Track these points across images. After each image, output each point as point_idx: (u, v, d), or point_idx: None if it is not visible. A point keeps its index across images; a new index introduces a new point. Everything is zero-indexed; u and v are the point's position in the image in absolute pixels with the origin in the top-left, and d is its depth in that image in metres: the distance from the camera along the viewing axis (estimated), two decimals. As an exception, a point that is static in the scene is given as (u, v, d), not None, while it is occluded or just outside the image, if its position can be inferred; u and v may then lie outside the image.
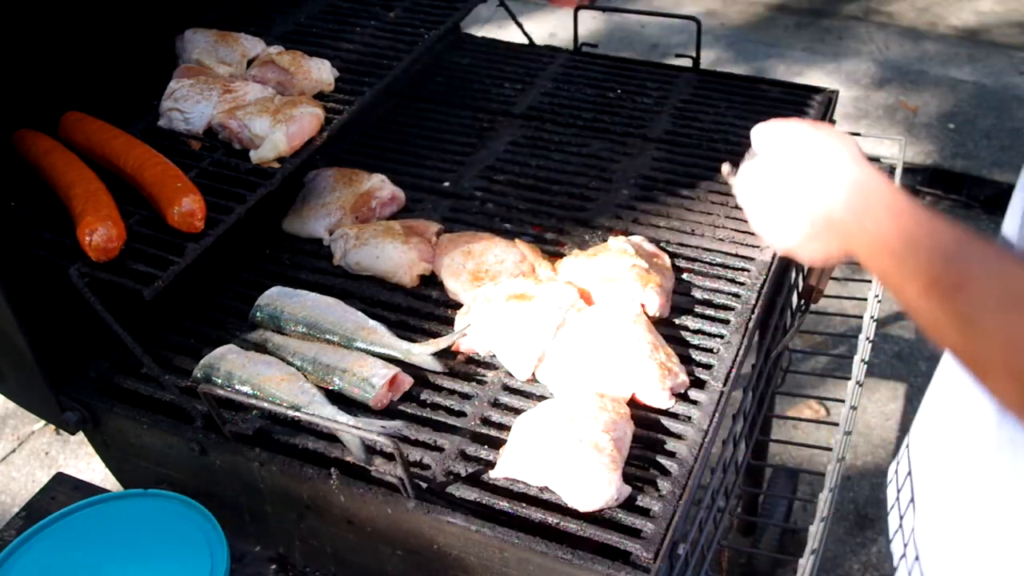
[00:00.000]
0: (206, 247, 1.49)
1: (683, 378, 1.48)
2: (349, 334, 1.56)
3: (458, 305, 1.66)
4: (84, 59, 1.73)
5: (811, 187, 1.16)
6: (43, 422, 3.19)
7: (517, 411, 1.46)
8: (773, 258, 1.75)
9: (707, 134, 2.11)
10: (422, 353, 1.54)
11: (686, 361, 1.54)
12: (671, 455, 1.39)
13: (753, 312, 1.63)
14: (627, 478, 1.34)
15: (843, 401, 1.66)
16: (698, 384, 1.50)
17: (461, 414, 1.48)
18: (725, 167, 1.40)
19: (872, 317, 1.81)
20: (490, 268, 1.67)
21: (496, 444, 1.41)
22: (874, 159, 2.24)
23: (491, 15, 4.87)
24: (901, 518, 1.48)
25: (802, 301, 1.81)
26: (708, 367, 1.53)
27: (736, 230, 1.82)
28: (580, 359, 1.48)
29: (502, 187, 1.99)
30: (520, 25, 2.48)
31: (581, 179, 2.00)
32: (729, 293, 1.68)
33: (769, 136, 1.29)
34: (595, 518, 1.30)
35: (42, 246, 1.48)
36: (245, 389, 1.48)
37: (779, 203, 1.21)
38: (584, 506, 1.28)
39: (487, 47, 2.48)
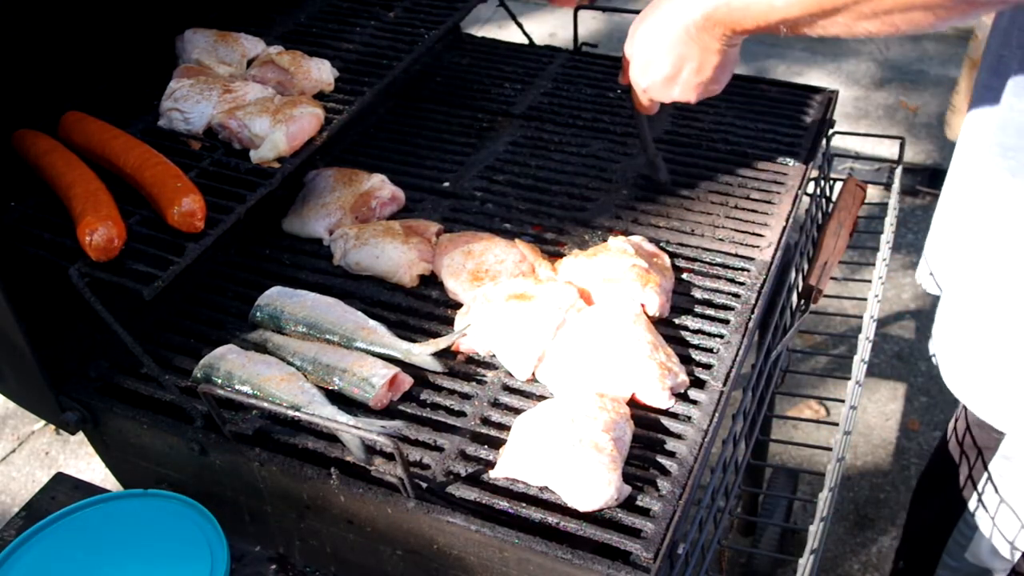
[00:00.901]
0: (206, 247, 1.49)
1: (683, 378, 1.48)
2: (349, 334, 1.57)
3: (458, 305, 1.66)
4: (84, 59, 1.73)
5: (670, 16, 1.42)
6: (43, 422, 3.19)
7: (517, 411, 1.46)
8: (773, 258, 1.75)
9: (707, 134, 2.11)
10: (422, 353, 1.54)
11: (686, 361, 1.54)
12: (671, 455, 1.39)
13: (753, 312, 1.63)
14: (627, 478, 1.34)
15: (843, 401, 1.66)
16: (698, 384, 1.50)
17: (461, 414, 1.48)
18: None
19: (872, 317, 1.81)
20: (490, 268, 1.67)
21: (496, 444, 1.41)
22: (874, 159, 2.24)
23: (491, 15, 4.87)
24: None
25: (802, 301, 1.81)
26: (708, 367, 1.53)
27: (736, 230, 1.82)
28: (580, 359, 1.48)
29: (502, 187, 1.99)
30: (520, 25, 2.48)
31: (581, 179, 2.00)
32: (729, 293, 1.68)
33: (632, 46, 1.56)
34: (595, 518, 1.30)
35: (42, 246, 1.48)
36: (245, 389, 1.48)
37: (664, 50, 1.46)
38: (584, 506, 1.28)
39: (487, 47, 2.48)
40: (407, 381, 1.51)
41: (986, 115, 1.48)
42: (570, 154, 2.08)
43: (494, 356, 1.56)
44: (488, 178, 2.02)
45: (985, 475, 1.80)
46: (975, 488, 1.83)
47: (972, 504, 1.84)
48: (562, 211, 1.91)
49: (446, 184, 2.00)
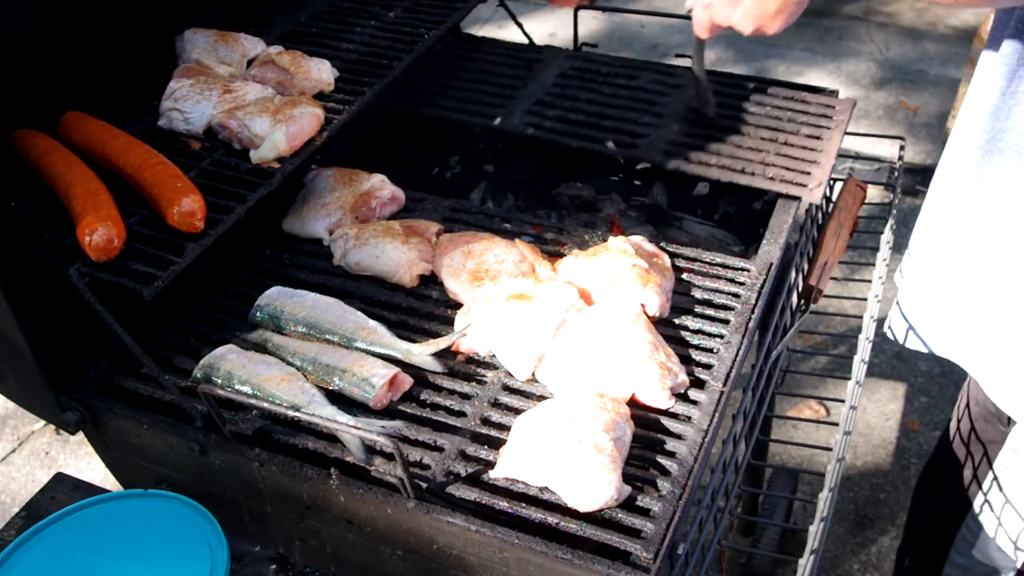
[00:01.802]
0: (206, 247, 1.49)
1: (683, 378, 1.48)
2: (349, 334, 1.57)
3: (458, 305, 1.66)
4: (84, 59, 1.73)
5: None
6: (43, 422, 3.19)
7: (517, 411, 1.46)
8: (773, 258, 1.75)
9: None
10: (422, 353, 1.54)
11: (686, 361, 1.54)
12: (671, 455, 1.39)
13: (753, 312, 1.63)
14: (627, 478, 1.34)
15: (843, 401, 1.66)
16: (698, 384, 1.50)
17: (461, 414, 1.48)
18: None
19: (872, 317, 1.80)
20: (490, 268, 1.67)
21: (496, 444, 1.41)
22: (874, 159, 2.24)
23: (491, 15, 4.87)
24: None
25: (802, 301, 1.81)
26: (708, 367, 1.53)
27: (785, 168, 1.87)
28: (580, 359, 1.48)
29: (552, 123, 2.01)
30: (520, 25, 2.48)
31: (632, 114, 2.03)
32: (729, 293, 1.68)
33: None
34: (595, 518, 1.30)
35: (42, 246, 1.48)
36: (245, 389, 1.48)
37: None
38: (584, 506, 1.28)
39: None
40: (407, 381, 1.51)
41: (978, 104, 1.49)
42: (619, 87, 2.09)
43: (494, 356, 1.56)
44: (538, 113, 2.03)
45: (991, 471, 1.80)
46: (980, 485, 1.83)
47: (978, 500, 1.84)
48: (615, 148, 1.94)
49: (497, 121, 2.00)
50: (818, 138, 1.95)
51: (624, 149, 1.92)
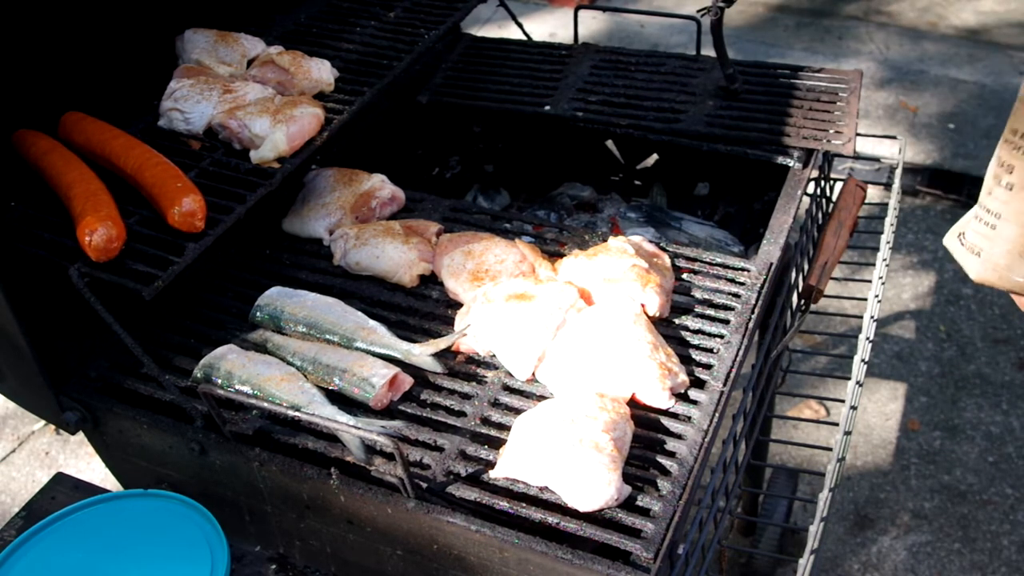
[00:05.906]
0: (206, 247, 1.49)
1: (683, 378, 1.48)
2: (349, 334, 1.57)
3: (458, 305, 1.66)
4: (84, 59, 1.73)
5: None
6: (43, 422, 3.19)
7: (517, 411, 1.46)
8: (773, 258, 1.75)
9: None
10: (422, 353, 1.54)
11: (686, 361, 1.54)
12: (671, 455, 1.39)
13: (753, 312, 1.63)
14: (627, 478, 1.34)
15: (843, 401, 1.66)
16: (698, 384, 1.50)
17: (461, 414, 1.48)
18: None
19: (872, 317, 1.80)
20: (490, 268, 1.67)
21: (496, 444, 1.41)
22: (874, 159, 2.24)
23: (491, 15, 4.87)
24: None
25: (802, 301, 1.81)
26: (708, 367, 1.53)
27: (817, 129, 2.00)
28: (580, 359, 1.48)
29: (598, 107, 2.12)
30: (520, 25, 2.48)
31: (668, 94, 2.15)
32: (729, 293, 1.68)
33: None
34: (595, 518, 1.30)
35: (42, 246, 1.48)
36: (245, 389, 1.48)
37: None
38: (584, 506, 1.28)
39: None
40: (407, 381, 1.51)
41: None
42: (651, 73, 2.22)
43: (494, 356, 1.56)
44: (583, 99, 2.14)
45: None
46: None
47: None
48: (660, 123, 2.05)
49: (547, 107, 2.12)
50: (837, 103, 2.09)
51: (668, 124, 2.06)
